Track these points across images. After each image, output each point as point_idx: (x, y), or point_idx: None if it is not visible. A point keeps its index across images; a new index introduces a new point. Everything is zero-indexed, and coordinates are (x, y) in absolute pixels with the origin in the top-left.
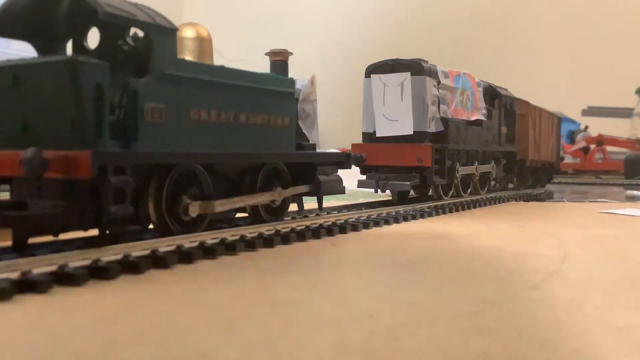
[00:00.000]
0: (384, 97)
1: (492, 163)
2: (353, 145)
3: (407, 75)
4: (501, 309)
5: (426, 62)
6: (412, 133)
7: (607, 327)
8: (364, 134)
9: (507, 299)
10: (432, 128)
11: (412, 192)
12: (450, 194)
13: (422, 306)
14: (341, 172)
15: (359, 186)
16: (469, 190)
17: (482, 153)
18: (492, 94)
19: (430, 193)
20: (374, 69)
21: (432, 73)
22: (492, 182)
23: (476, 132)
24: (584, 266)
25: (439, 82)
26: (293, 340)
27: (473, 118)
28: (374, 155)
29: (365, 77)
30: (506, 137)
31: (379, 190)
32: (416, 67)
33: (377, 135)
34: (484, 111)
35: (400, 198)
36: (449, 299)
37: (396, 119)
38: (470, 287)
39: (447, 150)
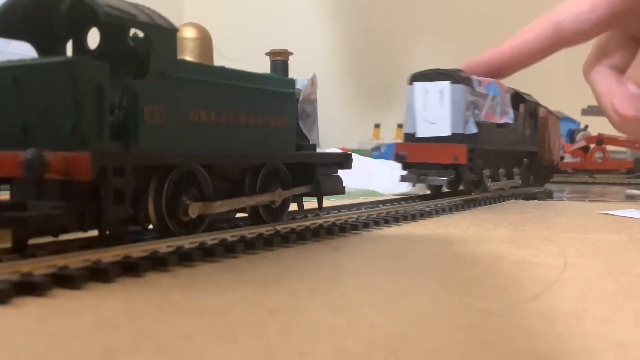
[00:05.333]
0: (425, 102)
1: (516, 169)
2: (396, 145)
3: (447, 83)
4: (501, 321)
5: (462, 71)
6: (449, 134)
7: (607, 342)
8: (406, 135)
9: (507, 311)
10: (467, 130)
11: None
12: (480, 189)
13: (422, 316)
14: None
15: (401, 180)
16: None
17: (509, 152)
18: (517, 100)
19: (460, 188)
20: (416, 77)
21: (468, 81)
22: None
23: (504, 133)
24: (583, 276)
25: (473, 90)
26: (293, 349)
27: (502, 121)
28: (415, 153)
29: (408, 84)
30: (529, 139)
31: (416, 184)
32: (455, 77)
33: (418, 135)
34: (511, 115)
35: (434, 192)
36: (449, 309)
37: (435, 121)
38: (470, 296)
39: (479, 150)
